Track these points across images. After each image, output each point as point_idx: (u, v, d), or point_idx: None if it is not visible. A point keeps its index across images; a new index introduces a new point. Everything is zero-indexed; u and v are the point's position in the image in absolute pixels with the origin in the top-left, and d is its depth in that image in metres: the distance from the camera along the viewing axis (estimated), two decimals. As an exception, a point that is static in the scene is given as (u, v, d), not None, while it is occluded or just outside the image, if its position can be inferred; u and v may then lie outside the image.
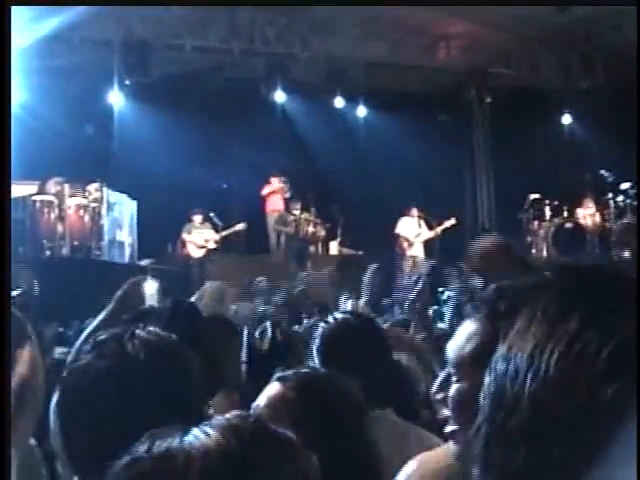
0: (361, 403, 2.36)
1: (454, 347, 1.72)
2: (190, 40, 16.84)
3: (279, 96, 18.08)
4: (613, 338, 0.81)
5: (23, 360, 3.10)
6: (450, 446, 1.79)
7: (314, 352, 3.37)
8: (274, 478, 1.22)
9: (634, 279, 0.87)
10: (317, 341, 3.39)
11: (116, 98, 17.55)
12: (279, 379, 2.31)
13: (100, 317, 3.93)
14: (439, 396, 1.75)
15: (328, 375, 2.50)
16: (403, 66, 18.57)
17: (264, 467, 1.21)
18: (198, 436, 1.20)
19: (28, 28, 14.06)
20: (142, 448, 1.21)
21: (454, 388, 1.70)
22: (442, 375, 1.77)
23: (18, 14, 13.26)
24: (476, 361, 1.61)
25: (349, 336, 3.30)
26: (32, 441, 3.21)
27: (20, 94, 14.79)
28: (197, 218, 17.25)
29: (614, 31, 15.86)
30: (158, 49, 16.66)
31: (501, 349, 0.90)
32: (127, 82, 16.85)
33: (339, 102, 18.59)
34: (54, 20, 14.10)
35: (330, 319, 3.45)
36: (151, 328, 2.09)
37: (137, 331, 2.03)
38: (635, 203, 16.54)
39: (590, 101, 18.58)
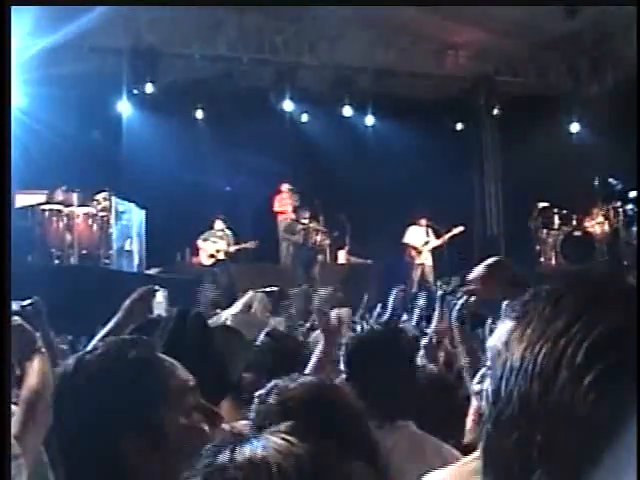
0: (360, 412, 2.36)
1: (491, 342, 1.75)
2: (199, 48, 16.85)
3: (287, 105, 18.08)
4: (595, 330, 0.88)
5: (33, 372, 3.11)
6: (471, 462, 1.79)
7: (341, 361, 3.38)
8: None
9: (618, 275, 0.94)
10: (344, 351, 3.39)
11: (125, 107, 17.58)
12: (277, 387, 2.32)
13: (108, 326, 3.93)
14: (477, 388, 1.79)
15: (329, 384, 2.50)
16: (412, 74, 18.55)
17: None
18: (277, 441, 1.21)
19: (37, 36, 14.08)
20: (224, 457, 1.20)
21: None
22: (484, 369, 1.78)
23: (27, 21, 13.30)
24: None
25: (375, 347, 3.30)
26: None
27: (29, 102, 14.83)
28: (218, 225, 17.29)
29: (623, 37, 15.83)
30: (167, 57, 16.69)
31: (501, 351, 0.98)
32: (135, 91, 16.86)
33: (347, 110, 18.59)
34: (63, 28, 14.12)
35: (358, 329, 3.47)
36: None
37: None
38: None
39: (599, 108, 18.54)
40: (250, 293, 6.04)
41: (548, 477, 0.87)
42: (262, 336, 4.67)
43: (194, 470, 1.22)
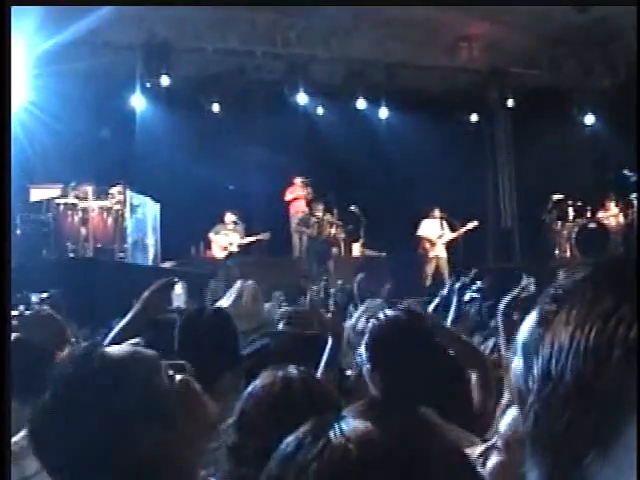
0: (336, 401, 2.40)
1: (526, 327, 1.80)
2: (211, 42, 16.85)
3: (301, 98, 18.07)
4: None
5: None
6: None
7: (363, 348, 3.38)
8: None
9: None
10: (366, 338, 3.40)
11: (138, 101, 17.61)
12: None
13: (127, 318, 3.95)
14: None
15: (302, 375, 2.53)
16: (424, 67, 18.53)
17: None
18: (350, 423, 1.20)
19: (50, 31, 14.12)
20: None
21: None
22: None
23: (40, 16, 13.34)
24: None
25: (397, 333, 3.29)
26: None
27: (43, 98, 14.86)
28: (229, 218, 17.30)
29: (635, 30, 15.75)
30: (179, 52, 16.71)
31: (547, 338, 0.96)
32: (149, 85, 16.88)
33: (361, 104, 18.58)
34: (77, 23, 14.15)
35: (380, 316, 3.45)
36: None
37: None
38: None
39: (612, 100, 18.49)
40: (238, 283, 6.01)
41: (602, 460, 0.87)
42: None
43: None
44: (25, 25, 13.27)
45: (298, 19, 17.02)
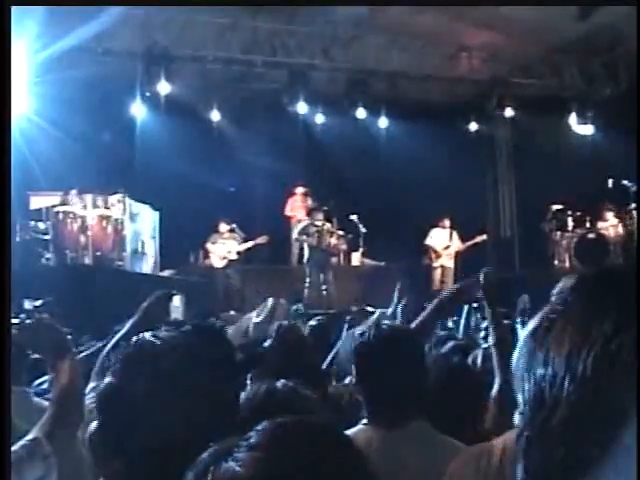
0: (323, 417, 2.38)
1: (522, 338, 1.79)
2: (212, 51, 16.87)
3: (301, 107, 18.07)
4: None
5: (64, 371, 3.13)
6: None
7: (351, 359, 3.37)
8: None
9: None
10: (353, 351, 3.39)
11: (138, 109, 17.61)
12: None
13: (125, 328, 3.95)
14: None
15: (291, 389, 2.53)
16: (425, 76, 18.54)
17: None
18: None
19: (50, 38, 14.12)
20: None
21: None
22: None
23: (39, 22, 13.34)
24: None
25: (383, 346, 3.27)
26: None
27: (43, 105, 14.86)
28: (223, 228, 17.29)
29: (636, 38, 15.74)
30: (180, 60, 16.72)
31: (539, 355, 0.91)
32: (149, 93, 16.87)
33: (361, 113, 18.56)
34: (77, 31, 14.16)
35: (365, 329, 3.43)
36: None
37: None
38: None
39: (613, 110, 18.48)
40: (271, 300, 6.02)
41: None
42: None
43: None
44: (26, 32, 13.27)
45: (298, 28, 17.03)
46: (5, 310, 3.21)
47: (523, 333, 1.60)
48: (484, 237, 18.31)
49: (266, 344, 4.44)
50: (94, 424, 1.92)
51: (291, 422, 1.27)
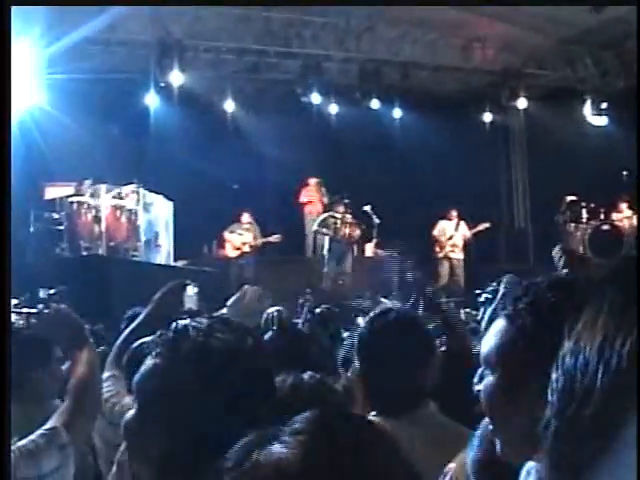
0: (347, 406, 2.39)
1: (484, 343, 1.78)
2: (226, 42, 16.86)
3: (315, 98, 18.05)
4: None
5: (82, 362, 3.14)
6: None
7: (355, 349, 3.36)
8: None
9: None
10: (357, 338, 3.38)
11: (152, 99, 17.62)
12: None
13: (140, 318, 3.97)
14: (477, 388, 1.80)
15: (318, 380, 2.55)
16: (439, 67, 18.51)
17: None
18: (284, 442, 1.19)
19: (63, 30, 14.13)
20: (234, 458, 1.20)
21: (483, 382, 1.75)
22: (480, 369, 1.80)
23: (53, 15, 13.36)
24: (500, 356, 1.70)
25: (389, 333, 3.26)
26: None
27: (57, 96, 14.88)
28: (245, 218, 17.34)
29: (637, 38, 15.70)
30: (194, 51, 16.72)
31: (567, 344, 0.89)
32: (162, 84, 16.87)
33: (374, 103, 18.54)
34: (90, 22, 14.16)
35: (371, 315, 3.42)
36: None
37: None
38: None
39: (627, 101, 18.40)
40: (244, 287, 6.07)
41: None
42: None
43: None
44: (39, 23, 13.30)
45: (312, 19, 17.01)
46: (5, 310, 3.22)
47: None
48: (486, 225, 18.20)
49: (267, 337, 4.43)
50: (132, 411, 1.91)
51: (333, 413, 1.36)
